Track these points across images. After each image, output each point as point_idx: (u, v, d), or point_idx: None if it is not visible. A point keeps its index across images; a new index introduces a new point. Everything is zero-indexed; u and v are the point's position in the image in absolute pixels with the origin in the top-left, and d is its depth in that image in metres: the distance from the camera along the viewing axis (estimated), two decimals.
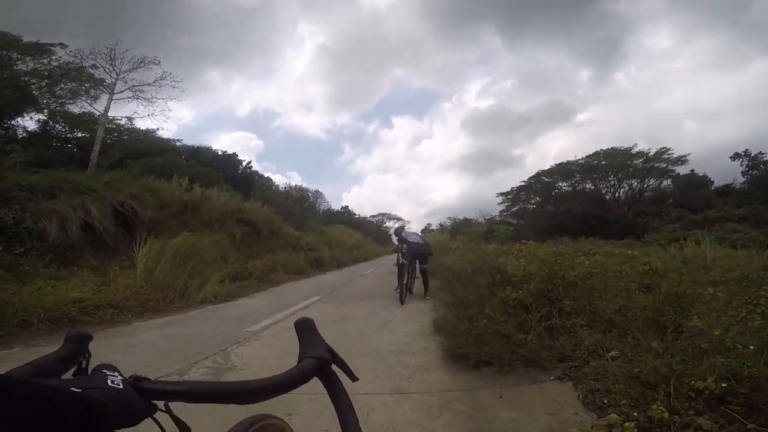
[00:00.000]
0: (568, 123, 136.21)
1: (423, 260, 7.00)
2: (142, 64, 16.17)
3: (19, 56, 11.75)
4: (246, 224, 14.88)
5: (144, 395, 0.40)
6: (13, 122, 12.28)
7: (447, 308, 5.12)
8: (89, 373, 0.46)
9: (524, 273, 4.54)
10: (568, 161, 32.17)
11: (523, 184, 35.06)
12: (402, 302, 6.20)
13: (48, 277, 5.78)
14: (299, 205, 27.86)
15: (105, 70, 15.39)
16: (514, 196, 35.54)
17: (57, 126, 14.81)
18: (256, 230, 15.38)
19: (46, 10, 25.01)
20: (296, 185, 34.62)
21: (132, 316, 4.82)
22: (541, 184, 33.54)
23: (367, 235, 40.91)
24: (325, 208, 41.45)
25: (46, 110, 13.13)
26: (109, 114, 15.73)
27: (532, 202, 34.57)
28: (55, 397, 0.26)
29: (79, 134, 15.57)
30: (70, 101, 13.48)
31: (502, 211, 36.07)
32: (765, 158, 25.98)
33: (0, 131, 11.01)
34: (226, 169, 23.35)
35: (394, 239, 10.58)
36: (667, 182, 28.42)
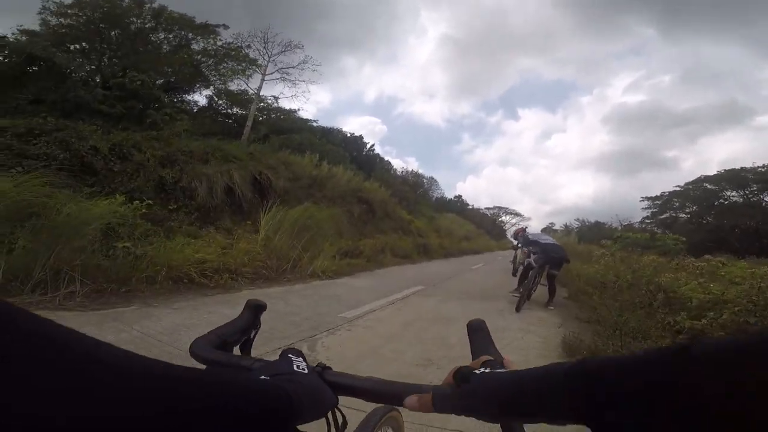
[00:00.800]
0: (744, 126, 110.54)
1: (556, 265, 6.03)
2: (288, 48, 17.73)
3: (193, 36, 13.75)
4: (364, 203, 15.34)
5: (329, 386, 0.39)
6: (186, 96, 14.61)
7: (583, 325, 4.06)
8: (252, 343, 0.53)
9: (713, 298, 3.46)
10: (742, 168, 26.07)
11: (678, 189, 29.56)
12: (518, 309, 5.33)
13: (188, 234, 6.50)
14: (414, 190, 27.80)
15: (259, 53, 17.31)
16: (664, 201, 30.15)
17: (221, 102, 17.28)
18: (372, 210, 15.73)
19: None
20: (412, 170, 34.73)
21: (244, 283, 5.01)
22: (702, 191, 27.84)
23: (480, 228, 39.10)
24: (439, 196, 40.89)
25: (212, 87, 15.28)
26: (261, 93, 17.86)
27: (687, 211, 28.97)
28: (257, 389, 0.27)
29: (237, 111, 17.92)
30: (230, 80, 15.40)
31: (645, 218, 30.83)
32: None
33: (177, 103, 13.17)
34: (352, 150, 24.55)
35: (514, 242, 9.31)
36: None
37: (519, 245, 8.13)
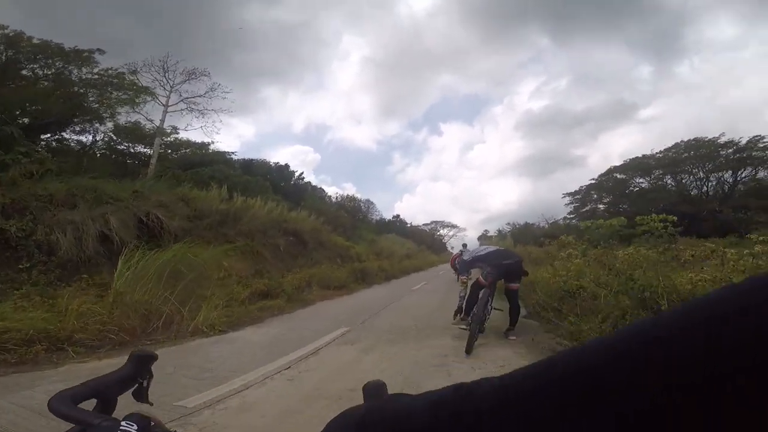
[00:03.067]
0: (632, 120, 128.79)
1: (514, 276, 4.82)
2: (193, 76, 16.36)
3: (64, 65, 11.78)
4: (291, 234, 14.18)
5: None
6: (63, 134, 12.39)
7: None
8: (146, 392, 0.53)
9: None
10: (644, 155, 28.96)
11: (593, 182, 32.07)
12: (468, 351, 3.98)
13: (25, 296, 4.96)
14: (352, 215, 26.99)
15: (159, 82, 15.73)
16: (583, 195, 32.43)
17: (117, 139, 15.19)
18: (302, 241, 14.62)
19: (107, 24, 26.98)
20: (348, 195, 34.08)
21: (77, 354, 3.61)
22: (613, 181, 30.29)
23: (421, 244, 39.22)
24: (378, 218, 40.48)
25: (95, 121, 13.14)
26: (165, 126, 16.08)
27: (605, 201, 31.13)
28: None
29: (140, 148, 15.91)
30: (119, 112, 13.51)
31: (569, 213, 32.96)
32: None
33: (52, 142, 11.13)
34: (279, 181, 23.20)
35: (460, 272, 6.91)
36: (765, 173, 24.31)
37: (462, 274, 6.49)
